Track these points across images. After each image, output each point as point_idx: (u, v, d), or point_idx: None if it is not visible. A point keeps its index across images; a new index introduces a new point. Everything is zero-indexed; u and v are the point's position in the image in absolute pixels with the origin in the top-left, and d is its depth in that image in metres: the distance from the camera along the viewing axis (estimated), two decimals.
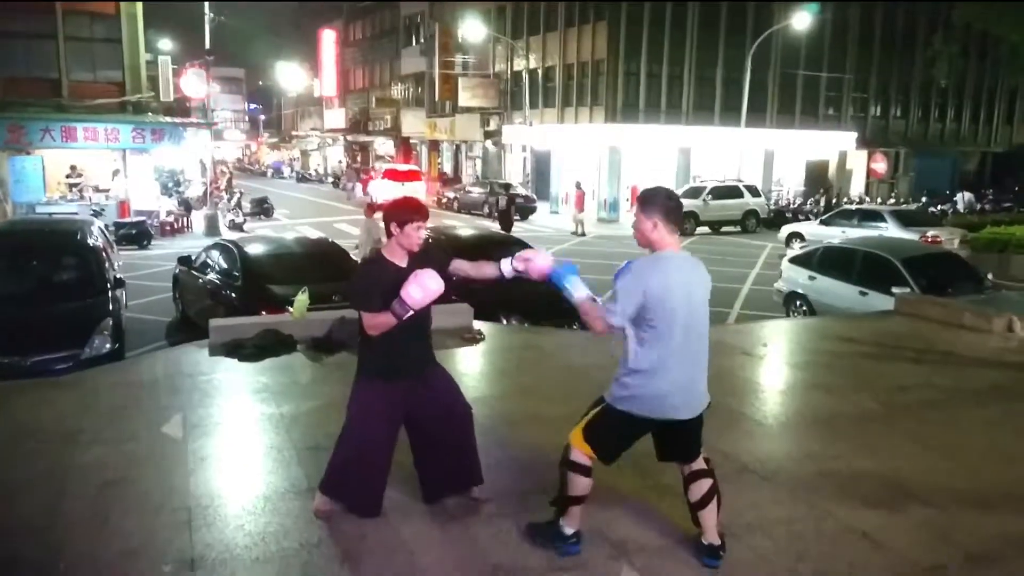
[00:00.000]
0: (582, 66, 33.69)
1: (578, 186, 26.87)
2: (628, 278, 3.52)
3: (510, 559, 3.86)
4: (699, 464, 3.81)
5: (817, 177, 36.56)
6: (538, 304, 9.45)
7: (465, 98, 38.88)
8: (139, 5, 22.88)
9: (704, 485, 3.76)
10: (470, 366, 7.75)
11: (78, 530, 4.10)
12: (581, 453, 3.71)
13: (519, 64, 37.10)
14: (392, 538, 4.03)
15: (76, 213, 18.23)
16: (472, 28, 35.68)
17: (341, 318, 7.70)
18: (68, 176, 22.37)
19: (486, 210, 30.16)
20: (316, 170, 59.97)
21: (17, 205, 20.94)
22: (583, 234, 25.53)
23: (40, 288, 8.84)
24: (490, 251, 11.13)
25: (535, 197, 31.50)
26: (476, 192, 32.69)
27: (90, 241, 9.91)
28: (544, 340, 8.68)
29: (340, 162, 55.67)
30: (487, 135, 40.43)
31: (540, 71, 36.46)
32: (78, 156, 22.48)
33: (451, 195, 34.41)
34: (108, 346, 7.91)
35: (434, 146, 47.05)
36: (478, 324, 8.60)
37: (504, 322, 9.28)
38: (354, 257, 11.69)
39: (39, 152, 21.79)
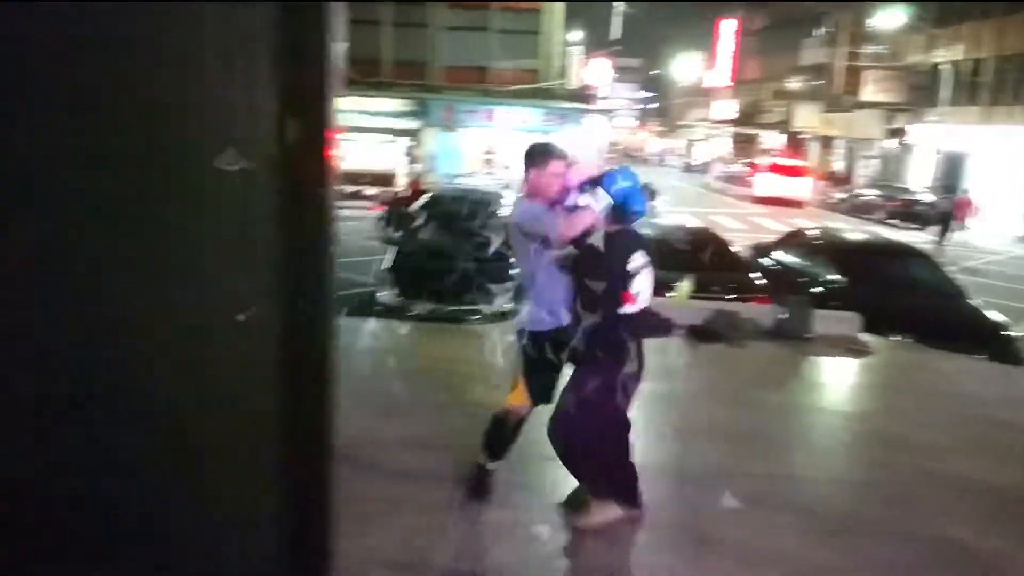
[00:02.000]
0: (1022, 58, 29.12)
1: (964, 192, 24.34)
2: None
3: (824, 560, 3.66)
4: None
5: None
6: (940, 325, 8.57)
7: (869, 92, 35.98)
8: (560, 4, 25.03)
9: None
10: (848, 378, 7.38)
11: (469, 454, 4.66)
12: None
13: (939, 55, 33.17)
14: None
15: (487, 186, 20.70)
16: (888, 16, 32.74)
17: (720, 309, 7.79)
18: (485, 153, 25.47)
19: (882, 215, 27.73)
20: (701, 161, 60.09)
21: (440, 176, 24.41)
22: (939, 243, 20.72)
23: (459, 248, 10.16)
24: (884, 261, 10.29)
25: None
26: (870, 194, 30.20)
27: (500, 212, 11.20)
28: (939, 363, 7.84)
29: (728, 152, 55.08)
30: (890, 133, 36.94)
31: (966, 64, 32.25)
32: (489, 136, 25.43)
33: (840, 196, 32.26)
34: (508, 305, 8.99)
35: (826, 143, 44.31)
36: (865, 336, 8.05)
37: (896, 338, 8.53)
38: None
39: (460, 130, 25.10)
